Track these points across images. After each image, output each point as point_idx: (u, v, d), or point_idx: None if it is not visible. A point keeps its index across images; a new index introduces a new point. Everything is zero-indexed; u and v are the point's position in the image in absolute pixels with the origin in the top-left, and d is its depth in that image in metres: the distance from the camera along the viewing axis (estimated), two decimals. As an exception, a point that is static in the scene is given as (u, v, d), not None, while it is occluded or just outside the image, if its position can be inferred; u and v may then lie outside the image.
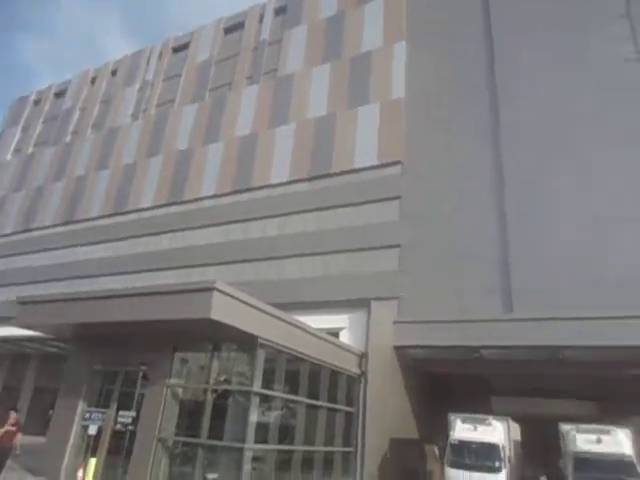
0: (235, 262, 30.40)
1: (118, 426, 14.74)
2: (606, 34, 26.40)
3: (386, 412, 19.54)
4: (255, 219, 31.65)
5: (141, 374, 14.98)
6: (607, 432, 15.37)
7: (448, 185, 26.94)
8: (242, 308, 13.36)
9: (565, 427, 16.55)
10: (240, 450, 12.56)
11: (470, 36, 30.77)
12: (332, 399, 17.39)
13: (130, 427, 14.37)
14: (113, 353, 15.42)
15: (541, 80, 27.05)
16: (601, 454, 14.54)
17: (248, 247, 30.60)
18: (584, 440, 15.33)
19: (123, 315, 13.24)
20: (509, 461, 15.88)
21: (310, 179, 31.30)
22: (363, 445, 17.66)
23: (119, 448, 14.37)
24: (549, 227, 23.29)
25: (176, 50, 45.42)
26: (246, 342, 13.66)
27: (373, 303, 20.28)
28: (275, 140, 33.84)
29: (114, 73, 48.58)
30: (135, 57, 47.73)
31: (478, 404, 25.27)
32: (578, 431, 15.80)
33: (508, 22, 29.61)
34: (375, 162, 29.30)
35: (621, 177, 22.97)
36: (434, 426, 22.85)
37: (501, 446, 15.56)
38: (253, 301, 13.69)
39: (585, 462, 14.40)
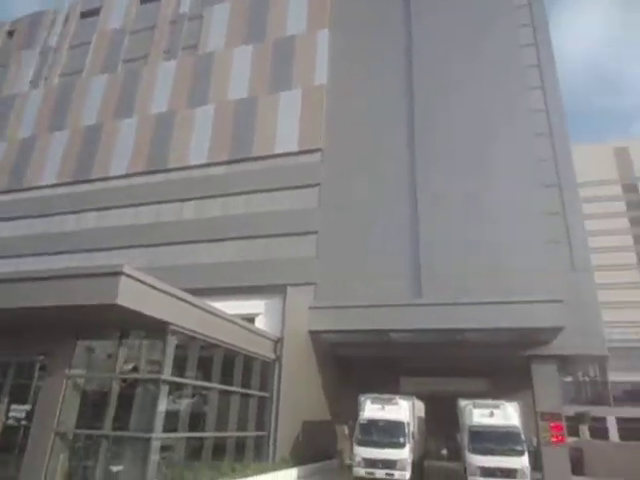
0: (147, 246, 29.07)
1: (10, 421, 13.59)
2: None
3: (300, 396, 19.92)
4: (170, 201, 30.41)
5: (39, 365, 13.89)
6: (498, 406, 16.96)
7: (365, 174, 27.70)
8: (152, 294, 12.81)
9: (463, 403, 18.01)
10: (147, 440, 12.15)
11: (390, 27, 31.62)
12: (246, 385, 17.35)
13: (24, 422, 13.30)
14: (4, 342, 14.11)
15: (456, 72, 28.43)
16: (493, 426, 16.06)
17: (162, 230, 29.37)
18: (479, 414, 16.82)
19: (18, 301, 12.13)
20: (413, 437, 17.00)
21: (229, 162, 30.63)
22: (276, 429, 17.89)
23: (11, 444, 13.26)
24: (457, 219, 24.84)
25: (85, 15, 41.77)
26: (156, 329, 13.16)
27: (289, 289, 20.44)
28: (194, 120, 32.59)
29: (10, 34, 43.69)
30: (36, 18, 43.21)
31: (388, 384, 26.54)
32: (474, 406, 17.28)
33: (426, 16, 30.76)
34: (295, 148, 29.37)
35: (521, 176, 25.00)
36: (346, 407, 23.66)
37: (406, 423, 16.59)
38: (164, 286, 13.17)
39: (479, 434, 15.87)
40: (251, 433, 17.49)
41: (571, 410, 55.30)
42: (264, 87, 32.06)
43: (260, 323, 20.24)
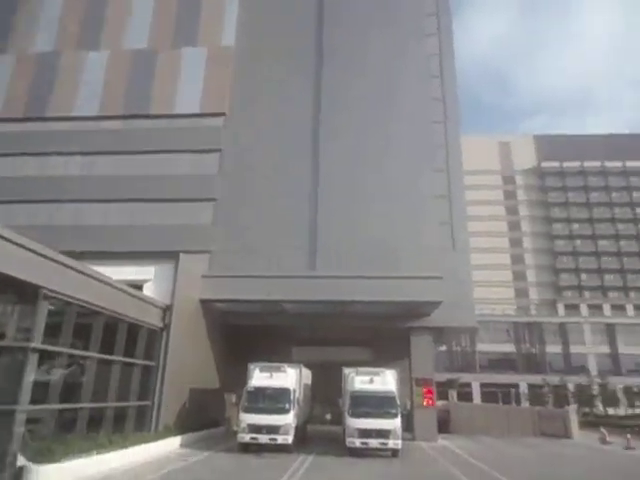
0: (28, 202, 26.02)
1: None
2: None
3: (188, 364, 19.55)
4: (53, 154, 27.43)
5: None
6: (378, 374, 18.21)
7: (269, 144, 27.32)
8: (22, 255, 11.57)
9: (347, 370, 19.05)
10: (11, 413, 11.15)
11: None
12: (130, 353, 16.58)
13: None
14: None
15: (364, 53, 28.85)
16: (372, 392, 17.23)
17: (44, 185, 26.46)
18: (360, 381, 17.92)
19: None
20: (298, 403, 17.63)
21: (124, 117, 28.32)
22: (160, 398, 17.43)
23: None
24: (354, 197, 25.61)
25: None
26: (27, 293, 11.97)
27: (182, 256, 19.72)
28: (84, 66, 29.41)
29: None
30: None
31: (281, 354, 27.18)
32: (357, 374, 18.35)
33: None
34: (197, 110, 27.98)
35: (416, 160, 26.34)
36: (237, 376, 23.78)
37: (292, 390, 17.13)
38: (36, 246, 11.95)
39: (359, 399, 16.93)
40: (133, 403, 16.85)
41: (443, 377, 61.46)
42: (166, 40, 29.89)
43: (149, 290, 19.35)
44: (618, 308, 65.61)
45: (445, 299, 21.80)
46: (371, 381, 17.47)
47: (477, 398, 60.14)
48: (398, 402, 16.78)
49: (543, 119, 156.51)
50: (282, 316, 23.97)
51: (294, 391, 17.30)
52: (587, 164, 77.93)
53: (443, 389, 59.67)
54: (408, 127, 26.43)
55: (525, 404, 52.83)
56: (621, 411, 44.09)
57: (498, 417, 34.33)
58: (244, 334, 25.84)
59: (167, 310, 18.66)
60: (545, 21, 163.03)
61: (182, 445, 17.22)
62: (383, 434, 15.87)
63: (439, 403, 56.52)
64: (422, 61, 27.95)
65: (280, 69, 28.82)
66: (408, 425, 22.35)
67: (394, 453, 16.19)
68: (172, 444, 16.65)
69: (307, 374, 21.09)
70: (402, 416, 16.77)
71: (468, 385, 61.20)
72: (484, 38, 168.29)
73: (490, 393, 59.03)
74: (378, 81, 27.73)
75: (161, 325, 18.47)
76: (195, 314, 21.18)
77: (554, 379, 53.69)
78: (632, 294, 70.99)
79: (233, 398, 21.04)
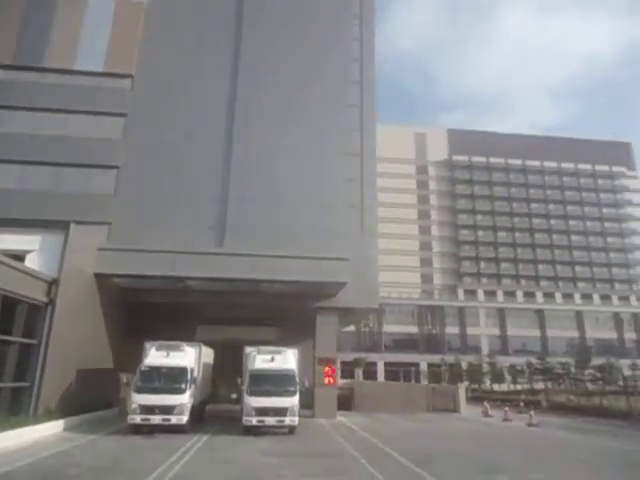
0: None
1: None
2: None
3: (76, 343, 18.11)
4: None
5: None
6: (280, 352, 18.17)
7: (180, 114, 25.78)
8: None
9: (248, 349, 18.78)
10: None
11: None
12: (5, 331, 14.94)
13: None
14: None
15: (285, 28, 28.06)
16: (272, 370, 17.14)
17: None
18: (261, 360, 17.76)
19: None
20: (195, 382, 17.08)
21: (14, 68, 25.17)
22: (41, 379, 15.99)
23: None
24: (268, 176, 25.03)
25: None
26: None
27: (74, 226, 18.10)
28: (-36, 4, 25.69)
29: None
30: None
31: (185, 333, 26.18)
32: (258, 352, 18.17)
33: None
34: (101, 69, 25.63)
35: (331, 143, 26.30)
36: (137, 356, 22.63)
37: (189, 369, 16.55)
38: None
39: (258, 377, 16.75)
40: (8, 384, 15.31)
41: (351, 356, 63.73)
42: (68, -15, 26.91)
43: (32, 262, 17.56)
44: (510, 294, 71.81)
45: (351, 281, 22.27)
46: (272, 360, 17.41)
47: (381, 377, 63.17)
48: (297, 380, 16.87)
49: (459, 115, 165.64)
50: (186, 293, 23.10)
51: (191, 370, 16.74)
52: (492, 160, 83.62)
53: (350, 368, 62.14)
54: (324, 109, 26.27)
55: (424, 381, 56.39)
56: (505, 387, 48.50)
57: (397, 394, 36.16)
58: (145, 312, 24.50)
59: (53, 284, 17.07)
60: (469, 23, 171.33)
61: (66, 429, 15.99)
62: (280, 412, 15.92)
63: (344, 381, 58.65)
64: (343, 44, 27.78)
65: (196, 36, 27.21)
66: (309, 402, 22.82)
67: (291, 430, 16.33)
68: (53, 428, 15.39)
69: (208, 353, 20.57)
70: (300, 394, 16.90)
71: (374, 364, 64.05)
72: (412, 32, 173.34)
73: (393, 372, 62.24)
74: (297, 60, 27.14)
75: (46, 300, 16.88)
76: (88, 289, 19.65)
77: (450, 358, 57.78)
78: (523, 282, 77.96)
79: (124, 378, 19.93)
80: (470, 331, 68.11)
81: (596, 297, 72.23)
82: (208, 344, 22.79)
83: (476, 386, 47.46)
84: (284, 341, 26.61)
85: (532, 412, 21.14)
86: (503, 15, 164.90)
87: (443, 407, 28.65)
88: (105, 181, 23.94)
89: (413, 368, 62.47)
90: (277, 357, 17.55)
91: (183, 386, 16.02)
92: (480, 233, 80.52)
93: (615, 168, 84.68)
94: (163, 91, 25.91)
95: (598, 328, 69.31)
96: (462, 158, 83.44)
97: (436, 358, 60.79)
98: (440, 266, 79.28)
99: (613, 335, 69.28)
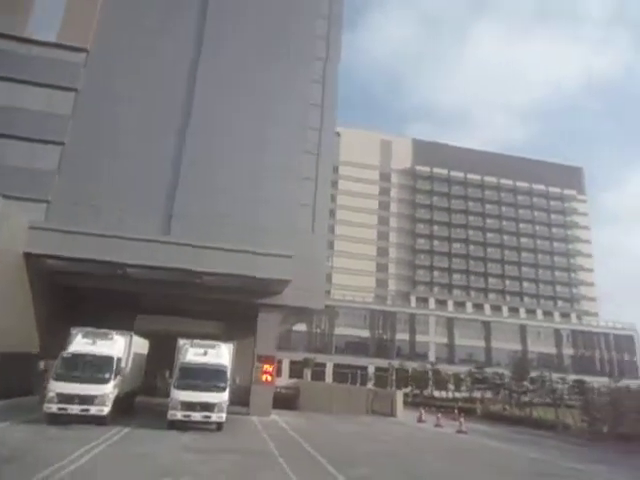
0: None
1: None
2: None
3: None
4: None
5: None
6: (214, 347, 17.77)
7: (135, 94, 24.89)
8: None
9: (182, 342, 18.25)
10: None
11: None
12: None
13: None
14: None
15: (251, 17, 27.59)
16: (203, 364, 16.70)
17: None
18: (193, 353, 17.33)
19: None
20: (121, 373, 16.40)
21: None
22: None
23: None
24: (221, 169, 24.50)
25: None
26: None
27: (3, 201, 17.05)
28: None
29: None
30: None
31: (123, 321, 25.27)
32: (191, 345, 17.71)
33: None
34: (53, 39, 24.48)
35: (290, 140, 26.06)
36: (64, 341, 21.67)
37: (116, 359, 15.86)
38: None
39: (188, 371, 16.26)
40: None
41: (301, 356, 63.62)
42: (23, -51, 25.54)
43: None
44: (459, 304, 73.68)
45: (297, 280, 22.10)
46: (204, 354, 16.99)
47: (329, 378, 63.34)
48: (228, 376, 16.51)
49: (427, 127, 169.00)
50: (126, 281, 22.23)
51: (118, 360, 16.08)
52: (453, 173, 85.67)
53: (299, 367, 62.04)
54: (285, 105, 25.99)
55: (370, 385, 56.93)
56: (447, 394, 49.55)
57: (340, 396, 36.34)
58: (82, 298, 23.57)
59: (-26, 261, 16.05)
60: (444, 40, 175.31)
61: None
62: (208, 407, 15.51)
63: (291, 381, 58.48)
64: (308, 42, 27.55)
65: (158, 16, 26.43)
66: (245, 399, 22.50)
67: (219, 426, 15.93)
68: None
69: (141, 343, 19.89)
70: (231, 390, 16.56)
71: (323, 365, 64.18)
72: (389, 44, 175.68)
73: (342, 374, 62.57)
74: (261, 53, 26.73)
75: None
76: (14, 269, 18.59)
77: (397, 363, 58.61)
78: (472, 293, 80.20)
79: (42, 364, 18.95)
80: (419, 338, 69.37)
81: (539, 313, 75.16)
82: (149, 335, 22.06)
83: (418, 392, 48.30)
84: (228, 336, 26.12)
85: (462, 419, 21.61)
86: (477, 36, 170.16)
87: (381, 411, 28.93)
88: (49, 157, 22.87)
89: (358, 371, 63.04)
90: (210, 351, 17.13)
91: (107, 376, 15.34)
92: (436, 243, 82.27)
93: (567, 191, 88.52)
94: (119, 69, 24.97)
95: (539, 342, 72.14)
96: (424, 169, 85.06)
97: (384, 363, 61.51)
98: (395, 272, 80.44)
99: (553, 350, 72.27)
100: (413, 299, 73.81)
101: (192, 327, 28.07)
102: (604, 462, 15.17)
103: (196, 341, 17.64)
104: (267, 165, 24.90)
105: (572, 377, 54.21)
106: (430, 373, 54.65)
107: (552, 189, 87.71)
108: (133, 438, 13.66)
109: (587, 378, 50.82)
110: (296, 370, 62.00)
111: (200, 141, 24.72)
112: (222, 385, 16.03)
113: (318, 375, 61.89)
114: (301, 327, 67.64)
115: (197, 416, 15.43)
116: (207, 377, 16.05)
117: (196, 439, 14.21)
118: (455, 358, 67.98)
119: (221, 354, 17.23)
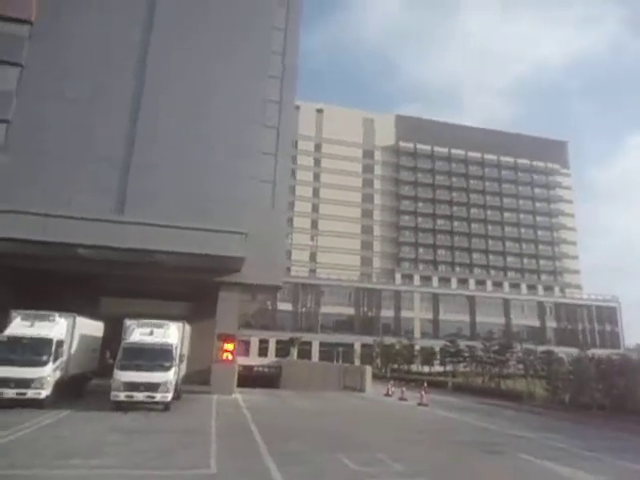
0: None
1: None
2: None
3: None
4: None
5: None
6: (162, 326, 17.36)
7: (85, 69, 23.92)
8: None
9: (128, 322, 17.77)
10: None
11: None
12: None
13: None
14: None
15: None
16: (147, 344, 16.30)
17: None
18: (139, 333, 16.92)
19: None
20: (62, 355, 15.97)
21: None
22: None
23: None
24: (176, 145, 23.64)
25: None
26: None
27: None
28: None
29: None
30: None
31: (87, 304, 24.84)
32: (138, 325, 17.27)
33: None
34: (-5, 11, 23.29)
35: (246, 113, 25.22)
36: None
37: (55, 341, 15.44)
38: None
39: (131, 351, 15.86)
40: None
41: (287, 335, 63.73)
42: None
43: None
44: (444, 280, 73.82)
45: (257, 257, 21.69)
46: (151, 333, 16.59)
47: (315, 356, 63.61)
48: (175, 354, 16.13)
49: (416, 107, 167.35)
50: (78, 263, 21.63)
51: (59, 342, 15.67)
52: (437, 149, 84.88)
53: (286, 347, 62.20)
54: (242, 77, 25.06)
55: (357, 362, 57.18)
56: (427, 369, 49.86)
57: (317, 374, 36.53)
58: (34, 279, 22.92)
59: None
60: (433, 19, 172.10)
61: None
62: (152, 387, 15.16)
63: (273, 360, 58.67)
64: (265, 14, 26.42)
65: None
66: (207, 378, 22.32)
67: (166, 406, 15.61)
68: None
69: (92, 325, 19.48)
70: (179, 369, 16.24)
71: (309, 344, 64.36)
72: (376, 22, 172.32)
73: (327, 352, 62.88)
74: (216, 25, 25.62)
75: None
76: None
77: (382, 339, 58.86)
78: (457, 268, 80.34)
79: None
80: (405, 314, 69.66)
81: (523, 286, 75.58)
82: (114, 318, 21.49)
83: (395, 366, 48.65)
84: (195, 316, 25.89)
85: (423, 392, 21.53)
86: (464, 17, 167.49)
87: (352, 386, 28.94)
88: (-7, 135, 21.99)
89: (341, 349, 63.39)
90: (157, 331, 16.73)
91: (45, 358, 14.92)
92: (420, 219, 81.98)
93: (550, 165, 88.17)
94: (66, 42, 23.88)
95: (523, 316, 72.73)
96: (408, 145, 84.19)
97: (370, 340, 61.77)
98: (380, 250, 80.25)
99: (537, 323, 72.90)
100: (398, 276, 73.81)
101: (158, 309, 27.56)
102: (551, 430, 15.08)
103: (143, 321, 17.20)
104: (225, 140, 24.15)
105: (554, 349, 54.92)
106: (417, 349, 54.86)
107: (536, 163, 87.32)
108: (69, 421, 13.31)
109: (570, 350, 51.51)
110: (283, 349, 62.17)
111: (155, 117, 23.86)
112: (167, 364, 15.68)
113: (304, 354, 62.09)
114: (287, 306, 67.75)
115: (140, 396, 15.08)
116: (151, 357, 15.68)
117: (136, 420, 13.91)
118: (440, 333, 68.38)
119: (169, 333, 16.84)
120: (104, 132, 23.26)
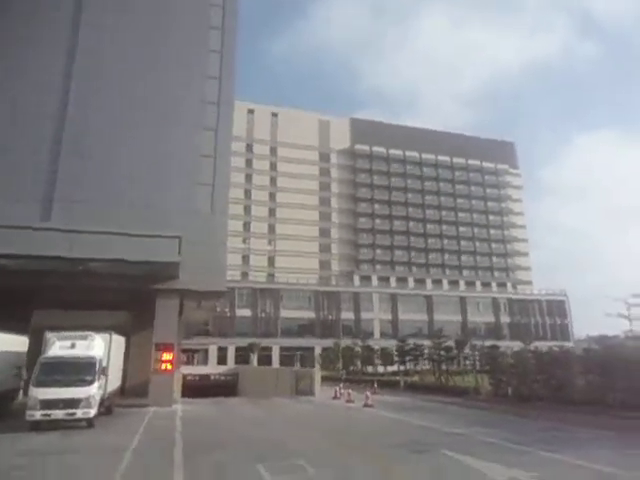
0: None
1: None
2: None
3: None
4: None
5: None
6: (85, 338, 16.32)
7: (11, 73, 22.62)
8: None
9: (49, 335, 16.66)
10: None
11: None
12: None
13: None
14: None
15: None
16: (67, 357, 15.27)
17: None
18: (59, 346, 15.89)
19: None
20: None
21: None
22: None
23: None
24: (110, 149, 22.74)
25: None
26: None
27: None
28: None
29: None
30: None
31: (17, 317, 23.33)
32: (59, 338, 16.23)
33: None
34: None
35: (185, 115, 24.52)
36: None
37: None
38: None
39: (49, 366, 14.83)
40: None
41: (246, 341, 62.61)
42: None
43: None
44: (402, 280, 74.60)
45: (196, 262, 20.99)
46: (72, 346, 15.60)
47: (276, 362, 62.75)
48: (98, 368, 15.21)
49: (375, 112, 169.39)
50: (2, 274, 20.25)
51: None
52: (392, 151, 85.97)
53: (245, 353, 61.04)
54: (178, 77, 24.38)
55: (317, 365, 56.71)
56: (382, 369, 50.02)
57: (271, 379, 35.83)
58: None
59: None
60: (391, 26, 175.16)
61: None
62: (72, 404, 14.21)
63: (229, 368, 57.33)
64: (202, 11, 25.82)
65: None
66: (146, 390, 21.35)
67: (89, 423, 14.67)
68: None
69: (17, 340, 18.21)
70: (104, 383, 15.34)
71: (269, 349, 63.42)
72: (336, 28, 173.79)
73: (288, 356, 62.18)
74: (148, 25, 24.87)
75: None
76: None
77: (343, 343, 58.64)
78: (414, 269, 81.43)
79: None
80: (364, 316, 69.82)
81: (478, 284, 77.37)
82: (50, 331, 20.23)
83: (352, 368, 48.57)
84: (137, 325, 24.88)
85: (368, 393, 21.34)
86: (422, 23, 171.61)
87: (304, 390, 28.48)
88: None
89: (301, 353, 62.88)
90: (80, 343, 15.75)
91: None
92: (377, 221, 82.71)
93: (500, 165, 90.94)
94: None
95: (478, 313, 74.38)
96: (363, 147, 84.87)
97: (330, 343, 61.44)
98: (338, 252, 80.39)
99: (492, 319, 74.69)
100: (357, 278, 74.02)
101: (96, 320, 26.34)
102: (489, 425, 15.10)
103: (64, 333, 16.19)
104: (161, 144, 23.35)
105: (509, 343, 56.34)
106: (375, 349, 54.90)
107: (486, 164, 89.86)
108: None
109: (522, 344, 52.91)
110: (242, 356, 61.01)
111: (85, 120, 22.78)
112: (89, 378, 14.75)
113: (265, 360, 61.12)
114: (246, 312, 66.61)
115: (60, 414, 14.10)
116: (72, 371, 14.74)
117: (51, 440, 12.96)
118: (399, 333, 68.86)
119: (93, 345, 15.89)
120: (28, 138, 22.02)
